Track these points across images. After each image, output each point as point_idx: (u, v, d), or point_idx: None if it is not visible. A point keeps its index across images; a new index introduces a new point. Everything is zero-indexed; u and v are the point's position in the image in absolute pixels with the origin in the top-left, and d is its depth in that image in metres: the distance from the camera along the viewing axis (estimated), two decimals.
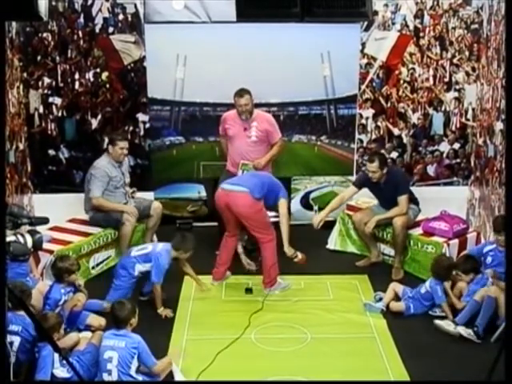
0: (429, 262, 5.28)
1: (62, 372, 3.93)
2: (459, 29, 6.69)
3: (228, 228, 5.46)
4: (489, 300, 4.54)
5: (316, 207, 6.79)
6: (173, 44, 6.32)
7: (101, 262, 5.77)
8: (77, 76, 6.62)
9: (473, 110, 6.86)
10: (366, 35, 6.66)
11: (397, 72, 6.80)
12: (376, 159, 5.62)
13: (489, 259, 5.02)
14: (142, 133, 6.83)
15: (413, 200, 5.82)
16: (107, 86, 6.68)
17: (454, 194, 6.92)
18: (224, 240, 5.51)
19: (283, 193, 5.39)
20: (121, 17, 6.51)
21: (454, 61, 6.78)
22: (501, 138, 5.96)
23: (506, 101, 5.70)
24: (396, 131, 6.98)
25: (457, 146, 7.02)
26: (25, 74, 6.52)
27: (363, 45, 6.68)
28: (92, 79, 6.65)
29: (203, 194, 6.83)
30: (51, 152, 6.81)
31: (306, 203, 6.93)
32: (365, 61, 6.74)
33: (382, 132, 6.99)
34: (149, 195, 6.49)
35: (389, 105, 6.90)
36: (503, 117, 5.89)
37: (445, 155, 7.06)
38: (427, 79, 6.83)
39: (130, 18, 6.52)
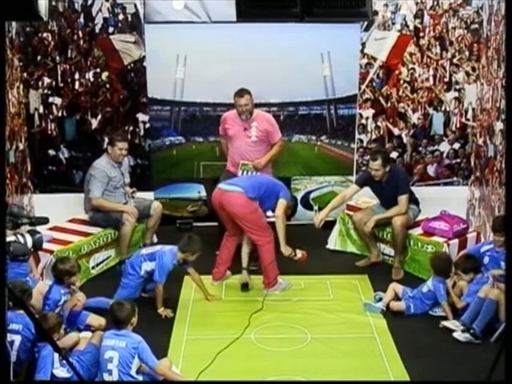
0: (429, 262, 5.27)
1: (62, 372, 3.93)
2: (459, 29, 6.69)
3: (227, 228, 5.46)
4: (489, 302, 4.53)
5: (316, 207, 6.76)
6: (173, 44, 6.32)
7: (101, 262, 5.77)
8: (77, 76, 6.62)
9: (473, 109, 6.86)
10: (365, 35, 6.66)
11: (397, 72, 6.80)
12: (379, 157, 5.62)
13: (486, 259, 5.02)
14: (142, 133, 6.83)
15: (413, 200, 5.82)
16: (107, 85, 6.68)
17: (454, 193, 6.92)
18: (224, 240, 5.51)
19: (284, 193, 5.33)
20: (121, 17, 6.52)
21: (454, 61, 6.78)
22: (501, 138, 5.95)
23: (506, 101, 5.70)
24: (396, 131, 6.99)
25: (457, 145, 7.02)
26: (25, 74, 6.53)
27: (363, 45, 6.68)
28: (92, 79, 6.65)
29: (203, 193, 6.83)
30: (51, 152, 6.81)
31: (305, 203, 6.93)
32: (365, 61, 6.74)
33: (382, 132, 6.99)
34: (149, 195, 6.48)
35: (389, 105, 6.90)
36: (503, 117, 5.89)
37: (445, 155, 7.06)
38: (427, 79, 6.83)
39: (129, 18, 6.52)
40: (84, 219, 5.99)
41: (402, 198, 5.66)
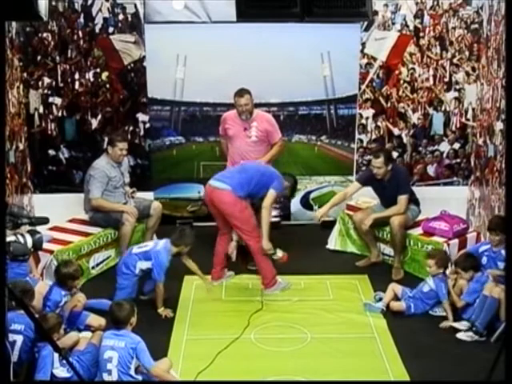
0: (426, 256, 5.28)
1: (61, 372, 3.93)
2: (459, 29, 6.70)
3: (219, 225, 5.44)
4: (492, 301, 4.53)
5: (316, 207, 6.78)
6: (173, 44, 6.32)
7: (101, 262, 5.77)
8: (77, 76, 6.63)
9: (473, 109, 6.87)
10: (365, 35, 6.67)
11: (397, 72, 6.80)
12: (381, 155, 5.61)
13: (484, 259, 5.03)
14: (142, 133, 6.83)
15: (414, 201, 5.82)
16: (107, 85, 6.69)
17: (454, 193, 6.93)
18: (218, 239, 5.51)
19: (276, 184, 5.23)
20: (121, 17, 6.52)
21: (454, 61, 6.78)
22: (501, 138, 5.95)
23: (506, 101, 5.70)
24: (396, 131, 6.99)
25: (457, 145, 7.03)
26: (25, 74, 6.53)
27: (363, 45, 6.68)
28: (92, 79, 6.65)
29: (203, 193, 6.81)
30: (51, 152, 6.82)
31: (305, 203, 6.93)
32: (365, 61, 6.75)
33: (382, 132, 6.99)
34: (149, 195, 6.48)
35: (389, 105, 6.90)
36: (503, 117, 5.89)
37: (445, 155, 7.06)
38: (427, 79, 6.84)
39: (129, 18, 6.53)
40: (84, 219, 5.99)
41: (402, 198, 5.65)
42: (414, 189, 6.08)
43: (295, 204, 6.88)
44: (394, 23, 6.68)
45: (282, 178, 5.35)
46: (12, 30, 6.26)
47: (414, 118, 6.95)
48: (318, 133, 6.73)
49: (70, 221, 6.03)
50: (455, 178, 7.12)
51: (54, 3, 6.35)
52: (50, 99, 6.67)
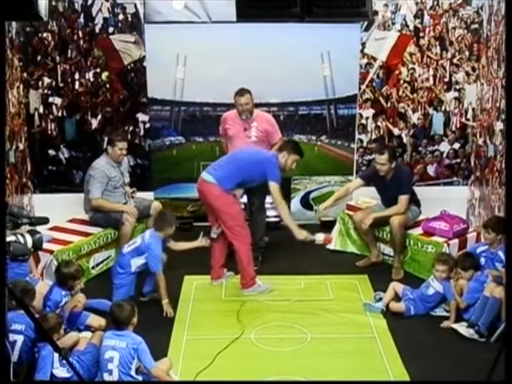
0: (429, 261, 5.28)
1: (61, 372, 3.92)
2: (459, 29, 6.70)
3: (210, 219, 5.41)
4: (493, 301, 4.53)
5: (316, 207, 6.78)
6: (173, 44, 6.33)
7: (101, 262, 5.77)
8: (77, 76, 6.63)
9: (473, 109, 6.87)
10: (365, 35, 6.67)
11: (397, 72, 6.80)
12: (386, 152, 5.61)
13: (482, 260, 5.03)
14: (142, 133, 6.83)
15: (414, 201, 5.81)
16: (107, 85, 6.69)
17: (454, 193, 6.93)
18: None
19: (272, 175, 5.10)
20: (121, 17, 6.52)
21: (454, 61, 6.78)
22: (501, 138, 5.96)
23: (506, 101, 5.70)
24: (396, 131, 6.99)
25: (457, 145, 7.03)
26: (25, 74, 6.53)
27: (363, 45, 6.68)
28: (92, 79, 6.65)
29: None
30: (51, 152, 6.82)
31: (305, 203, 6.93)
32: (365, 61, 6.75)
33: (382, 132, 6.99)
34: (149, 195, 6.48)
35: (389, 105, 6.90)
36: (503, 117, 5.89)
37: (445, 155, 7.07)
38: (427, 79, 6.84)
39: (129, 18, 6.53)
40: (84, 219, 5.99)
41: (403, 198, 5.65)
42: (414, 189, 6.08)
43: (295, 204, 6.88)
44: (393, 23, 6.68)
45: (275, 157, 5.20)
46: (12, 30, 6.26)
47: (414, 118, 6.95)
48: (318, 133, 6.73)
49: (70, 221, 6.03)
50: (455, 178, 7.12)
51: (53, 3, 6.36)
52: (50, 99, 6.67)
